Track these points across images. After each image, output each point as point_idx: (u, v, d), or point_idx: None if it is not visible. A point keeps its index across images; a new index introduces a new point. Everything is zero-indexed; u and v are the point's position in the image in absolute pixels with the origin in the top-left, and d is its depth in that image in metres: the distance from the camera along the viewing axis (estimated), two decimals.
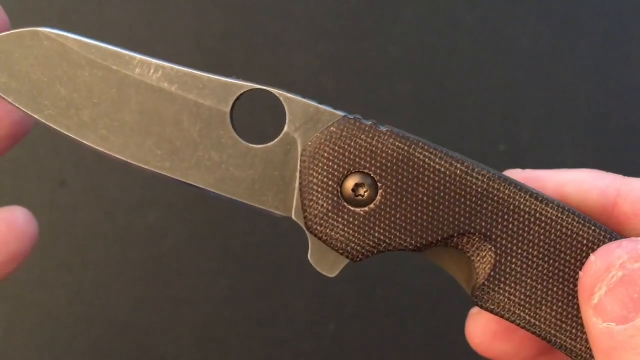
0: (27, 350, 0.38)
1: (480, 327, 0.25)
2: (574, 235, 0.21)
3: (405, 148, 0.21)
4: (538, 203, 0.21)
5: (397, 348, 0.40)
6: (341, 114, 0.21)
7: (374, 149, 0.21)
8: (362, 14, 0.41)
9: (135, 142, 0.21)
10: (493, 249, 0.21)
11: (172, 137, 0.21)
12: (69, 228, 0.36)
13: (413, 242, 0.21)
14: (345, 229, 0.21)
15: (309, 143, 0.21)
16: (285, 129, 0.21)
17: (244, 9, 0.41)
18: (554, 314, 0.21)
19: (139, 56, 0.21)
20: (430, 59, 0.41)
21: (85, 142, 0.22)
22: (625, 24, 0.41)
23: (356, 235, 0.21)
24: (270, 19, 0.41)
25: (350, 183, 0.21)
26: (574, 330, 0.21)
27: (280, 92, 0.22)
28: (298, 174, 0.21)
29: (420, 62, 0.41)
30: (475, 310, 0.25)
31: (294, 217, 0.22)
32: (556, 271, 0.21)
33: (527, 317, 0.21)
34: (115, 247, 0.40)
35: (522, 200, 0.21)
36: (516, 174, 0.23)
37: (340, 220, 0.21)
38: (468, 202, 0.21)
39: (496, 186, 0.21)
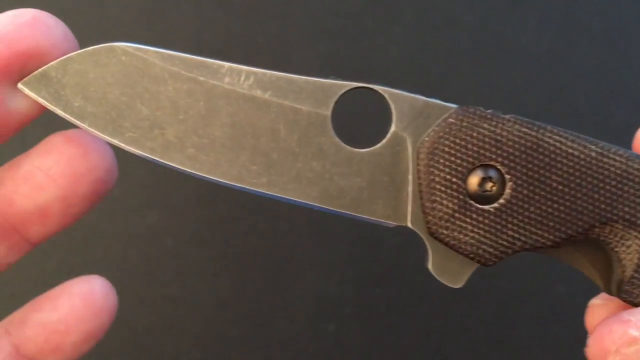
0: None
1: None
2: None
3: (533, 134, 0.19)
4: None
5: (397, 348, 0.40)
6: (452, 105, 0.20)
7: (499, 137, 0.19)
8: (362, 14, 0.41)
9: (228, 159, 0.20)
10: (639, 235, 0.19)
11: (267, 149, 0.20)
12: (69, 228, 0.36)
13: (551, 237, 0.19)
14: (475, 230, 0.19)
15: (426, 139, 0.19)
16: (393, 127, 0.20)
17: (244, 9, 0.41)
18: None
19: (227, 64, 0.20)
20: (430, 59, 0.41)
21: (171, 163, 0.20)
22: (625, 24, 0.41)
23: (487, 235, 0.19)
24: (270, 19, 0.41)
25: (475, 178, 0.19)
26: None
27: (384, 88, 0.20)
28: (410, 176, 0.19)
29: (420, 62, 0.41)
30: (597, 301, 0.22)
31: (409, 224, 0.20)
32: None
33: None
34: (115, 247, 0.40)
35: None
36: None
37: (468, 220, 0.19)
38: (607, 187, 0.19)
39: (636, 166, 0.19)
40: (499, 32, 0.41)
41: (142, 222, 0.40)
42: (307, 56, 0.41)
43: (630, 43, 0.41)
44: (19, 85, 0.20)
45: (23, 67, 0.20)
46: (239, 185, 0.20)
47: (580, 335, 0.20)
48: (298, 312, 0.40)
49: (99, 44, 0.20)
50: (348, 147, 0.20)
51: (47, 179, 0.21)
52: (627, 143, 0.23)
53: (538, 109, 0.41)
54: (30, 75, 0.20)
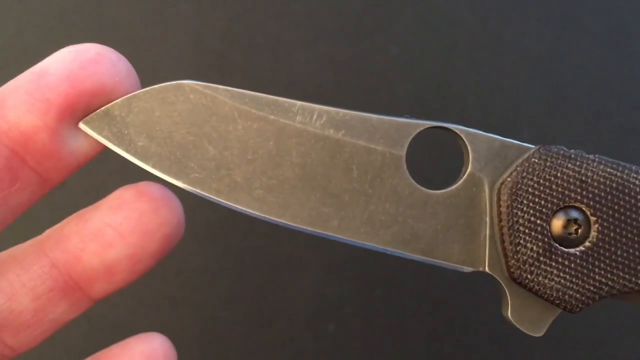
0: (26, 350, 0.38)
1: None
2: None
3: (618, 174, 0.18)
4: None
5: (397, 348, 0.40)
6: (530, 145, 0.19)
7: (583, 178, 0.18)
8: (362, 14, 0.41)
9: (297, 201, 0.19)
10: None
11: (339, 190, 0.19)
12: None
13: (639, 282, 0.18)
14: (561, 274, 0.18)
15: (508, 179, 0.18)
16: (469, 168, 0.19)
17: (244, 9, 0.41)
18: None
19: (299, 102, 0.19)
20: (430, 59, 0.41)
21: (238, 206, 0.19)
22: (625, 24, 0.41)
23: (574, 280, 0.18)
24: (270, 19, 0.41)
25: (559, 220, 0.18)
26: None
27: (460, 127, 0.19)
28: (488, 218, 0.19)
29: (420, 62, 0.41)
30: None
31: (487, 269, 0.19)
32: None
33: None
34: None
35: None
36: None
37: (553, 264, 0.18)
38: None
39: None
40: (499, 32, 0.41)
41: None
42: (307, 56, 0.41)
43: (630, 43, 0.41)
44: (81, 124, 0.20)
45: (87, 106, 0.19)
46: (308, 228, 0.19)
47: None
48: (298, 312, 0.40)
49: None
50: (423, 189, 0.19)
51: (117, 236, 0.21)
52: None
53: (538, 109, 0.41)
54: (93, 114, 0.19)
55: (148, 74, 0.40)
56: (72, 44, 0.20)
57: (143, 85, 0.20)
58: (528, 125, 0.41)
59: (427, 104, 0.41)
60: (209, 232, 0.40)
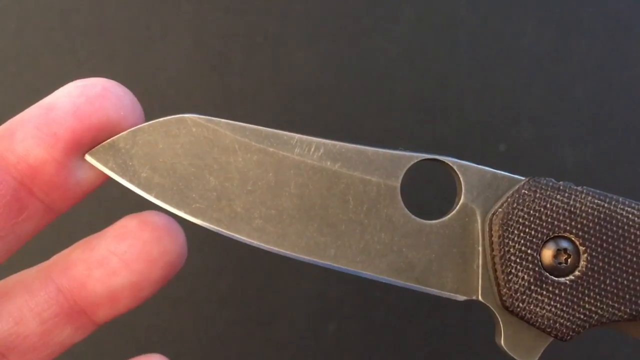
0: None
1: None
2: None
3: (606, 205, 0.19)
4: None
5: (397, 348, 0.40)
6: (520, 177, 0.20)
7: (572, 209, 0.19)
8: (362, 14, 0.41)
9: (295, 230, 0.19)
10: None
11: (336, 220, 0.19)
12: (69, 228, 0.36)
13: (628, 311, 0.19)
14: (552, 303, 0.19)
15: (499, 210, 0.19)
16: (462, 199, 0.19)
17: (244, 9, 0.41)
18: None
19: (297, 135, 0.20)
20: (430, 59, 0.41)
21: (238, 235, 0.20)
22: (625, 24, 0.41)
23: (564, 308, 0.19)
24: (270, 19, 0.41)
25: (549, 250, 0.19)
26: None
27: (453, 160, 0.20)
28: (480, 248, 0.19)
29: (420, 62, 0.41)
30: None
31: (480, 297, 0.19)
32: None
33: None
34: None
35: None
36: None
37: (544, 293, 0.19)
38: None
39: None
40: (499, 32, 0.41)
41: None
42: (307, 56, 0.41)
43: (630, 43, 0.41)
44: (87, 156, 0.20)
45: (93, 138, 0.20)
46: (306, 257, 0.20)
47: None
48: (298, 312, 0.40)
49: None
50: (417, 219, 0.20)
51: (121, 264, 0.21)
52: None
53: (538, 109, 0.41)
54: (98, 146, 0.20)
55: (148, 74, 0.40)
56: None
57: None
58: (528, 125, 0.41)
59: (427, 104, 0.41)
60: (209, 232, 0.40)
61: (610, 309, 0.19)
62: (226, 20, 0.41)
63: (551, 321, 0.19)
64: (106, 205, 0.40)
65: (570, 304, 0.19)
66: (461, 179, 0.20)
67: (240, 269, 0.40)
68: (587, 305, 0.19)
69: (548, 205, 0.19)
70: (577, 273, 0.19)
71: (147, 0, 0.41)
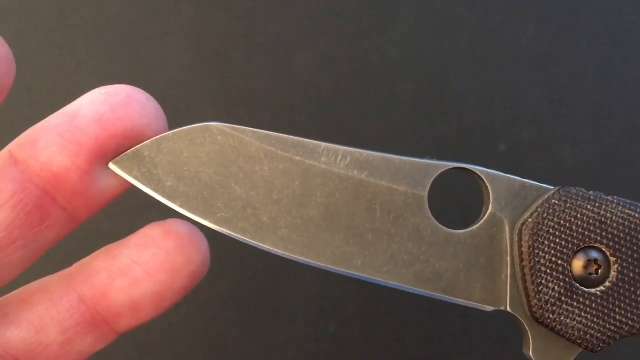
0: None
1: None
2: None
3: (637, 215, 0.19)
4: None
5: (397, 348, 0.40)
6: (549, 187, 0.19)
7: (603, 219, 0.19)
8: (362, 14, 0.41)
9: (321, 240, 0.19)
10: None
11: (363, 230, 0.19)
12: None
13: None
14: (582, 314, 0.19)
15: (529, 220, 0.19)
16: (490, 208, 0.19)
17: (244, 9, 0.41)
18: None
19: (324, 144, 0.19)
20: (430, 59, 0.41)
21: (263, 244, 0.20)
22: (625, 24, 0.41)
23: (595, 320, 0.19)
24: (270, 19, 0.41)
25: (580, 261, 0.19)
26: None
27: (481, 169, 0.20)
28: (509, 258, 0.19)
29: (420, 62, 0.41)
30: None
31: (508, 309, 0.19)
32: None
33: None
34: None
35: None
36: None
37: (575, 304, 0.19)
38: None
39: None
40: (499, 32, 0.41)
41: (142, 222, 0.40)
42: (307, 56, 0.41)
43: (630, 43, 0.41)
44: (110, 165, 0.20)
45: (117, 147, 0.20)
46: (332, 267, 0.19)
47: None
48: (298, 312, 0.40)
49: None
50: (444, 228, 0.19)
51: (144, 273, 0.21)
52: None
53: (538, 109, 0.41)
54: (123, 155, 0.20)
55: (148, 74, 0.40)
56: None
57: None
58: (528, 125, 0.41)
59: (427, 104, 0.41)
60: (209, 232, 0.40)
61: None
62: (226, 20, 0.41)
63: (581, 332, 0.19)
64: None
65: (600, 315, 0.19)
66: (489, 188, 0.19)
67: (240, 269, 0.40)
68: (617, 317, 0.19)
69: (579, 216, 0.19)
70: (607, 284, 0.19)
71: (147, 0, 0.41)
